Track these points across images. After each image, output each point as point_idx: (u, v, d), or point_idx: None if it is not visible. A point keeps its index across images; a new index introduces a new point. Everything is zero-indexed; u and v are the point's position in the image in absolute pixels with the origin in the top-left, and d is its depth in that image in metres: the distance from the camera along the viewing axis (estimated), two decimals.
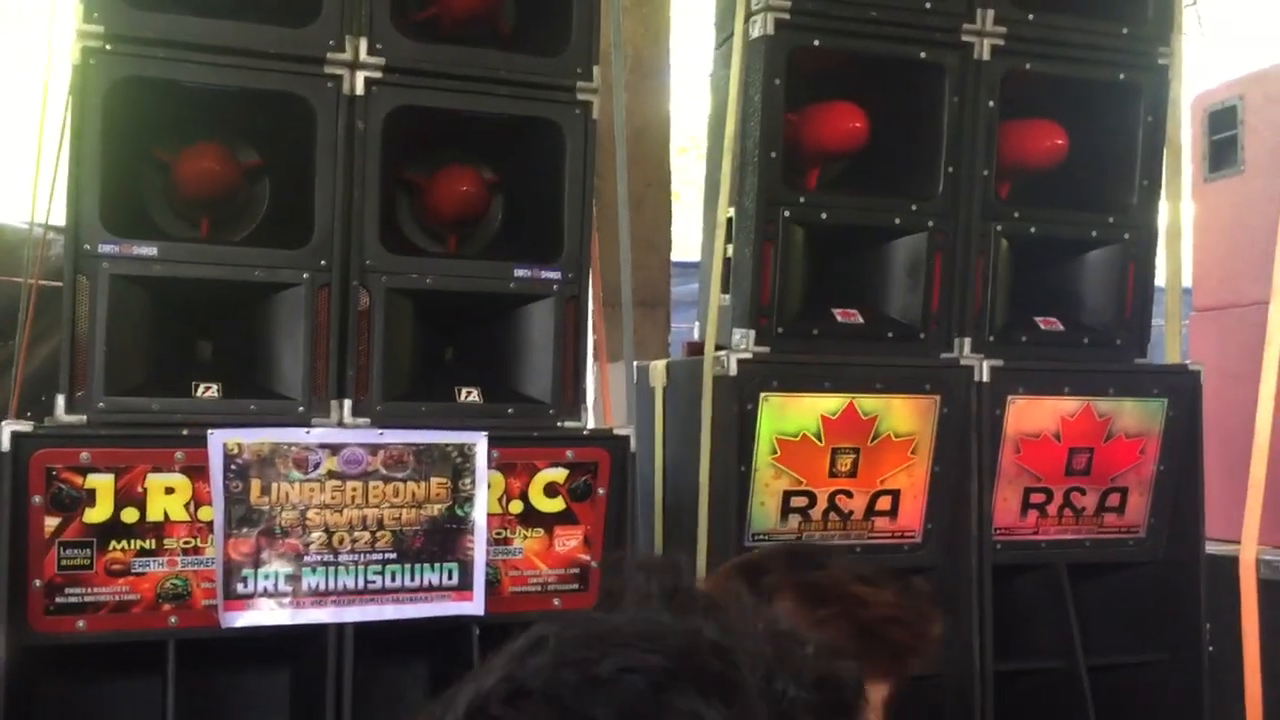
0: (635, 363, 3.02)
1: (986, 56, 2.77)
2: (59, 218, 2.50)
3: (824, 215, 2.72)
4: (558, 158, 2.55)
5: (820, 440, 2.66)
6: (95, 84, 2.24)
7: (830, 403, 2.66)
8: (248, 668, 2.46)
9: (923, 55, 2.74)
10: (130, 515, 2.21)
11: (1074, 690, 2.79)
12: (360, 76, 2.39)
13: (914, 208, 2.77)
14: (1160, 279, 3.04)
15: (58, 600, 2.18)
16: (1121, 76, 2.92)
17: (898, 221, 2.77)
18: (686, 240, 4.91)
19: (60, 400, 2.22)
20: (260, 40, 2.34)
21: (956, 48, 2.76)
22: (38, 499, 2.16)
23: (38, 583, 2.17)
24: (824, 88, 2.77)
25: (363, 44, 2.39)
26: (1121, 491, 2.91)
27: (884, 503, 2.74)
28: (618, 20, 2.73)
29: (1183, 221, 3.12)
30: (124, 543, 2.21)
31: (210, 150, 2.41)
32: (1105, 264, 2.96)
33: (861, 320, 2.77)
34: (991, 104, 2.79)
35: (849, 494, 2.71)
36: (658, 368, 2.92)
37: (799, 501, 2.69)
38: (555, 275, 2.54)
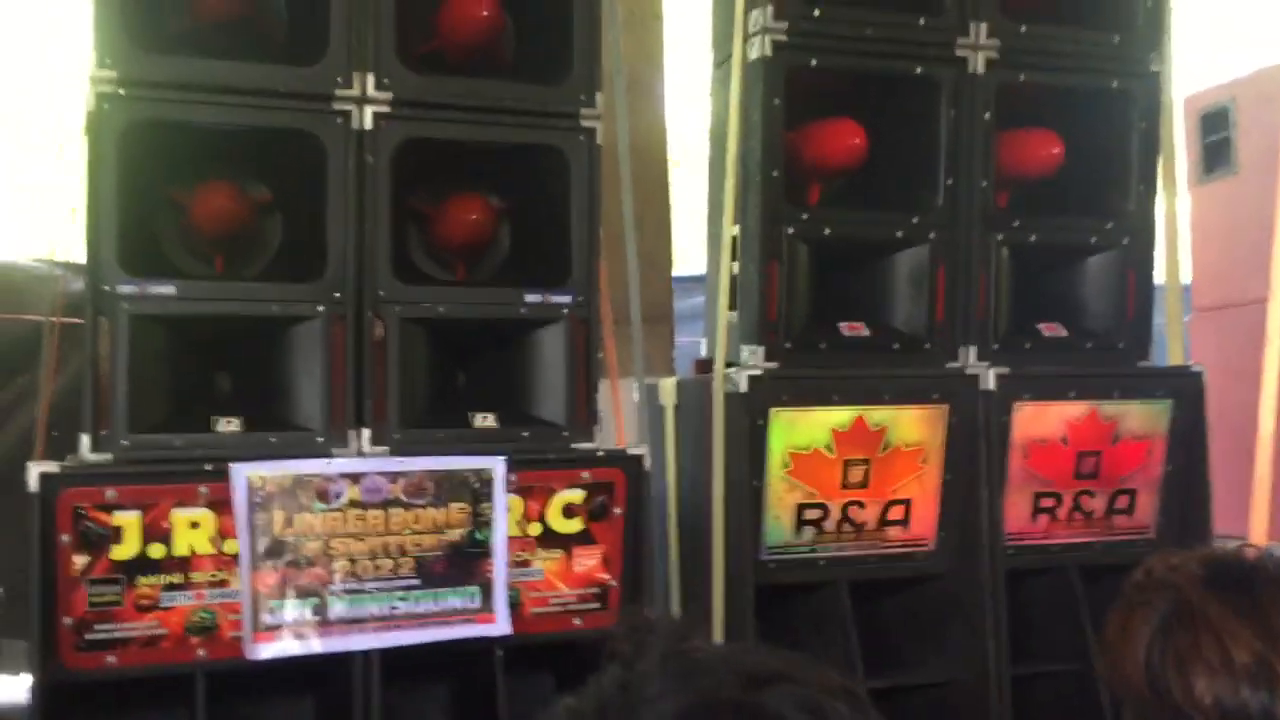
0: (645, 380, 3.05)
1: (981, 69, 2.82)
2: (68, 254, 2.54)
3: (827, 231, 2.77)
4: (564, 183, 2.59)
5: (831, 452, 2.70)
6: (110, 128, 2.28)
7: (840, 415, 2.70)
8: (274, 697, 2.48)
9: (918, 70, 2.79)
10: (157, 551, 2.24)
11: (1089, 693, 2.82)
12: (369, 111, 2.43)
13: (915, 220, 2.81)
14: (1159, 280, 3.08)
15: (88, 637, 2.22)
16: (1114, 84, 2.97)
17: (899, 234, 2.82)
18: (683, 254, 4.97)
19: (85, 439, 2.26)
20: (270, 80, 2.38)
21: (951, 62, 2.80)
22: (66, 538, 2.19)
23: (68, 620, 2.20)
24: (822, 105, 2.82)
25: (370, 79, 2.43)
26: (1130, 493, 2.94)
27: (896, 512, 2.78)
28: (618, 44, 2.77)
29: (1179, 223, 3.17)
30: (151, 578, 2.24)
31: (223, 188, 2.45)
32: (1105, 268, 3.01)
33: (867, 333, 2.81)
34: (987, 115, 2.83)
35: (861, 505, 2.75)
36: (667, 385, 2.96)
37: (812, 514, 2.72)
38: (565, 299, 2.58)
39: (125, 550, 2.22)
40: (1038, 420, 2.84)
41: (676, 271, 4.74)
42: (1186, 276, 3.40)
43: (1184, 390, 2.95)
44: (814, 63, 2.72)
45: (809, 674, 0.73)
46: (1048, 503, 2.88)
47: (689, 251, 5.24)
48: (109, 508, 2.21)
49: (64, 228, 2.55)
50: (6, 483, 3.70)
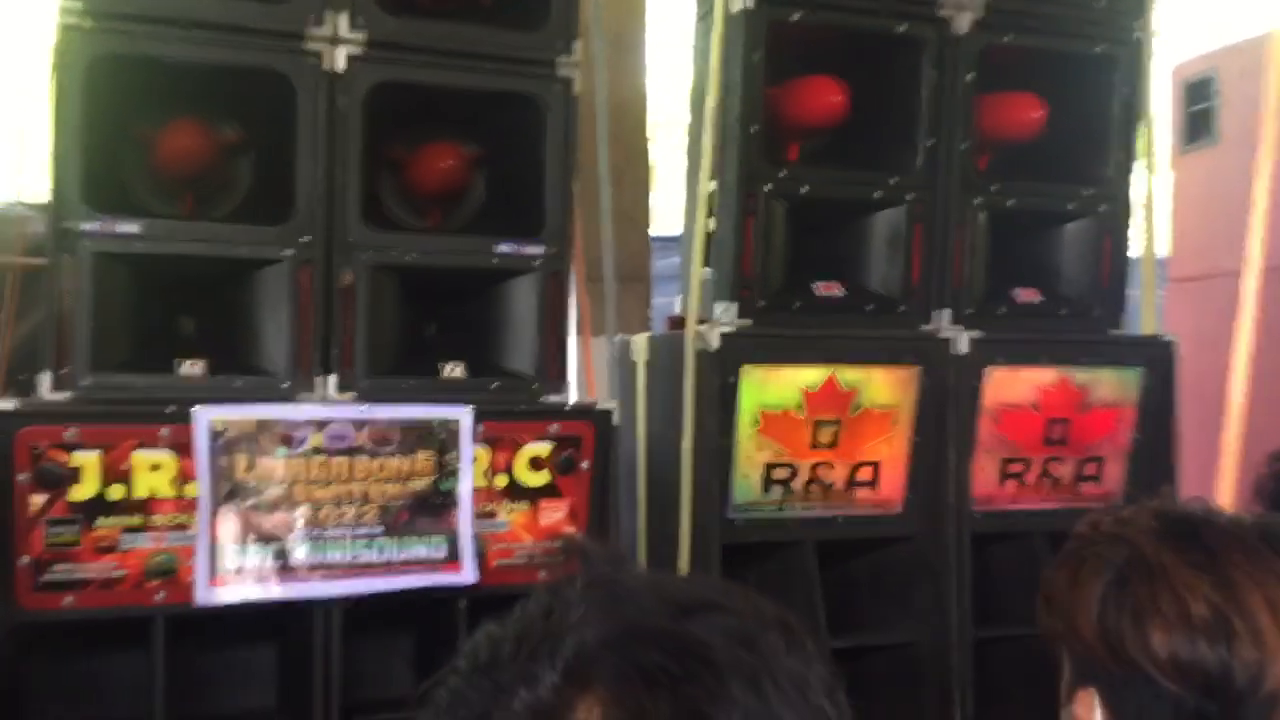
0: (617, 337, 3.03)
1: (965, 30, 2.79)
2: (35, 195, 2.50)
3: (805, 189, 2.74)
4: (539, 133, 2.56)
5: (802, 412, 2.69)
6: (76, 61, 2.23)
7: (811, 375, 2.69)
8: (236, 643, 2.47)
9: (901, 29, 2.76)
10: (116, 492, 2.21)
11: (1051, 657, 2.83)
12: (341, 52, 2.38)
13: (893, 181, 2.79)
14: (1136, 250, 3.08)
15: (45, 577, 2.19)
16: (1098, 49, 2.94)
17: (877, 195, 2.80)
18: (663, 215, 4.94)
19: (45, 378, 2.22)
20: (240, 15, 2.34)
21: (935, 21, 2.77)
22: (23, 476, 2.16)
23: (25, 559, 2.18)
24: (804, 62, 2.79)
25: (343, 19, 2.38)
26: (1098, 461, 2.95)
27: (865, 473, 2.78)
28: None
29: (1158, 193, 3.16)
30: (110, 519, 2.22)
31: (189, 127, 2.40)
32: (1082, 236, 3.00)
33: (842, 293, 2.80)
34: (969, 77, 2.81)
35: (830, 465, 2.74)
36: (639, 342, 2.94)
37: (781, 474, 2.72)
38: (538, 250, 2.55)
39: (84, 491, 2.20)
40: (1009, 385, 2.84)
41: (656, 232, 4.71)
42: (1164, 246, 3.39)
43: (1155, 359, 2.96)
44: (796, 17, 2.68)
45: (741, 603, 0.71)
46: (1016, 468, 2.89)
47: (669, 213, 5.21)
48: (68, 447, 2.18)
49: (32, 169, 2.49)
50: None
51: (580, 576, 0.72)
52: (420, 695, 0.71)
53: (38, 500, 2.17)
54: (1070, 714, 1.32)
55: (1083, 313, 2.98)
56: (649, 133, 4.49)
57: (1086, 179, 2.98)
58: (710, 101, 2.69)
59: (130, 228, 2.28)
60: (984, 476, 2.85)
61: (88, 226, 2.24)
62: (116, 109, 2.34)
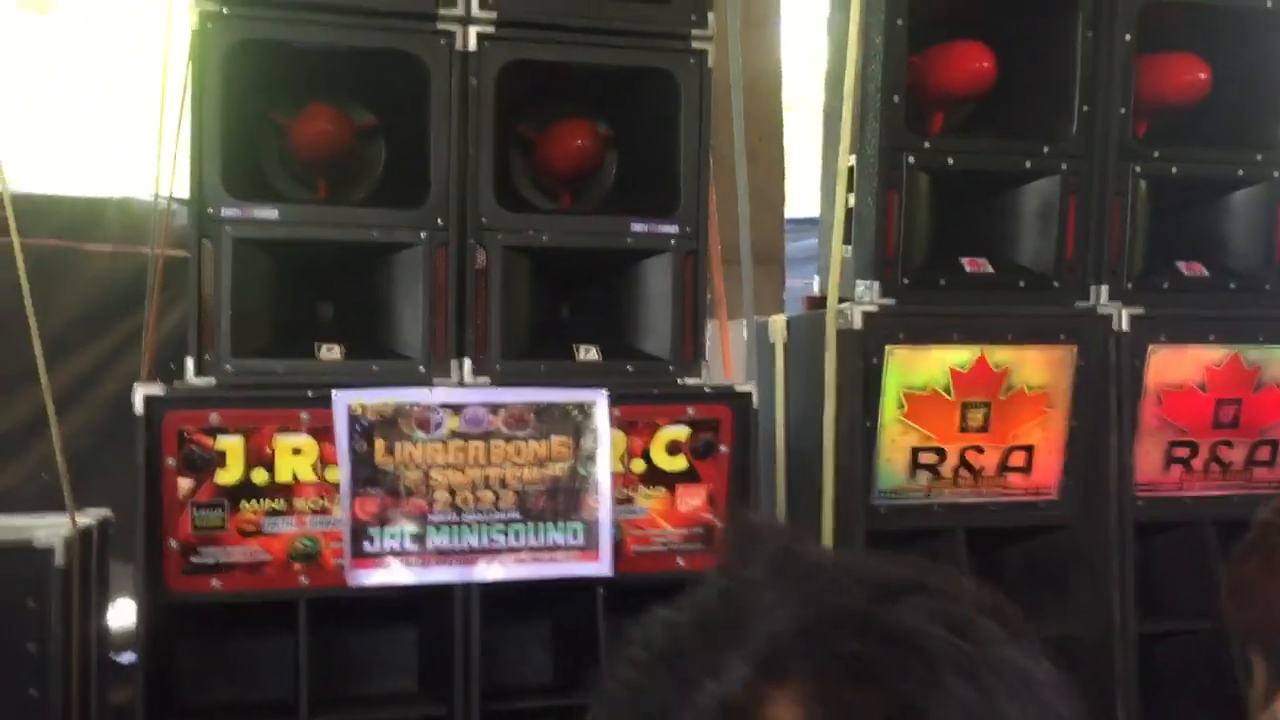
0: (754, 318, 2.95)
1: None
2: (181, 189, 2.54)
3: (950, 161, 2.61)
4: (673, 109, 2.49)
5: (950, 394, 2.57)
6: (213, 49, 2.25)
7: (960, 355, 2.56)
8: (377, 626, 2.47)
9: None
10: (260, 476, 2.23)
11: (1222, 653, 2.65)
12: (473, 32, 2.35)
13: (1046, 150, 2.64)
14: None
15: (193, 560, 2.22)
16: (1269, 3, 2.74)
17: (1029, 165, 2.65)
18: (794, 197, 4.83)
19: (189, 363, 2.25)
20: None
21: None
22: (171, 461, 2.19)
23: (173, 543, 2.21)
24: (948, 27, 2.66)
25: None
26: (1272, 444, 2.75)
27: (1018, 458, 2.64)
28: None
29: None
30: (254, 503, 2.23)
31: (324, 112, 2.40)
32: (1251, 204, 2.80)
33: (991, 269, 2.66)
34: (1128, 37, 2.64)
35: (980, 450, 2.61)
36: (777, 323, 2.85)
37: (928, 458, 2.60)
38: (673, 229, 2.48)
39: (229, 475, 2.22)
40: (1174, 365, 2.66)
41: (788, 213, 4.61)
42: None
43: None
44: None
45: (949, 585, 0.63)
46: (1182, 452, 2.71)
47: (800, 194, 5.10)
48: (213, 431, 2.20)
49: (173, 161, 2.53)
50: (125, 412, 3.79)
51: (760, 555, 0.63)
52: (584, 689, 0.64)
53: (185, 484, 2.20)
54: (1273, 716, 1.20)
55: (1253, 287, 2.78)
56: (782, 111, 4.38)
57: (1256, 143, 2.78)
58: (849, 71, 2.58)
59: (269, 213, 2.29)
60: (1147, 461, 2.68)
61: (228, 213, 2.26)
62: (252, 95, 2.36)
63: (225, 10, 2.24)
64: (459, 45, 2.35)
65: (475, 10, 2.35)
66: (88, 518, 2.46)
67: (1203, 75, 2.71)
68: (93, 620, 2.48)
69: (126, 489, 2.26)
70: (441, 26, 2.34)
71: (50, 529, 2.27)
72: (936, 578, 0.63)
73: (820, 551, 0.68)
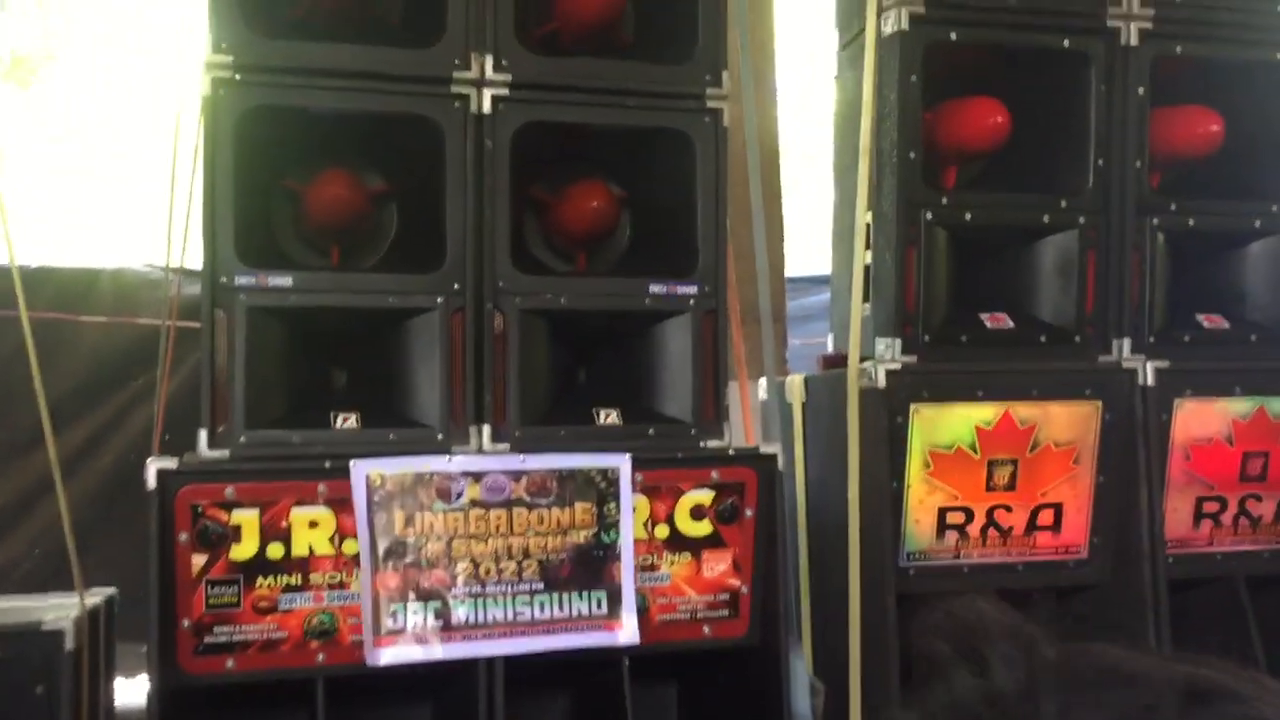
0: (772, 379, 2.91)
1: (1134, 42, 2.62)
2: (179, 259, 2.49)
3: (968, 216, 2.59)
4: (688, 168, 2.46)
5: (976, 452, 2.52)
6: (226, 114, 2.21)
7: (985, 412, 2.52)
8: (395, 702, 2.39)
9: (1066, 43, 2.61)
10: (275, 551, 2.16)
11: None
12: (487, 94, 2.33)
13: (1063, 204, 2.63)
14: None
15: (206, 640, 2.14)
16: (1278, 55, 2.74)
17: (1046, 219, 2.63)
18: (789, 254, 4.79)
19: (202, 435, 2.19)
20: (386, 63, 2.30)
21: (1101, 34, 2.62)
22: (184, 536, 2.12)
23: (186, 623, 2.13)
24: (961, 83, 2.65)
25: (488, 62, 2.33)
26: None
27: (1046, 517, 2.59)
28: (744, 23, 2.64)
29: None
30: (270, 579, 2.16)
31: (340, 178, 2.37)
32: (1269, 255, 2.79)
33: (1012, 325, 2.63)
34: (1141, 91, 2.64)
35: (1008, 508, 2.56)
36: (795, 382, 2.81)
37: (955, 518, 2.55)
38: (691, 289, 2.45)
39: (244, 550, 2.15)
40: (1200, 418, 2.63)
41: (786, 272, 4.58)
42: None
43: None
44: (954, 36, 2.55)
45: (1258, 689, 0.57)
46: (1211, 507, 2.66)
47: (793, 253, 5.06)
48: (228, 506, 2.14)
49: (174, 232, 2.49)
50: (123, 484, 3.71)
51: (1009, 651, 0.57)
52: None
53: (199, 561, 2.13)
54: None
55: (1274, 338, 2.75)
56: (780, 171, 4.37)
57: (1271, 194, 2.77)
58: (864, 127, 2.56)
59: (283, 281, 2.25)
60: (1177, 517, 2.64)
61: (242, 281, 2.21)
62: (265, 161, 2.32)
63: (238, 76, 2.21)
64: (474, 108, 2.32)
65: (490, 73, 2.33)
66: (94, 596, 2.38)
67: (1215, 127, 2.70)
68: (101, 702, 2.39)
69: (127, 563, 2.19)
70: (456, 89, 2.32)
71: (57, 610, 2.19)
72: (1241, 679, 0.57)
73: (1098, 647, 0.61)
